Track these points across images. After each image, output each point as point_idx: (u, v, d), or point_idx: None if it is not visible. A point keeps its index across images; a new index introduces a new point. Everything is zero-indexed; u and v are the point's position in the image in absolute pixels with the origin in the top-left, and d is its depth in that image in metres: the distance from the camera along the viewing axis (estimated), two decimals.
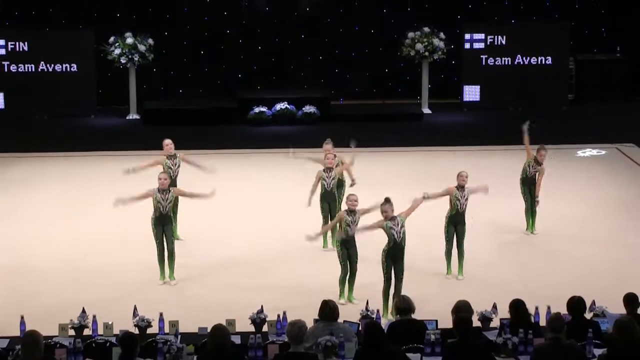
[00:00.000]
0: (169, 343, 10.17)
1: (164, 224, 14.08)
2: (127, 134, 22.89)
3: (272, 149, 21.23)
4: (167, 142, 15.77)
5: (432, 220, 14.85)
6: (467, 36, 24.91)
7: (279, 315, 11.09)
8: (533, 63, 25.09)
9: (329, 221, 14.91)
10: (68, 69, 24.39)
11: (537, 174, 15.87)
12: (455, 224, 14.29)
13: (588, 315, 10.94)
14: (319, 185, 15.16)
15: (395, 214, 12.90)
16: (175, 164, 15.62)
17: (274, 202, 17.63)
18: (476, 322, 10.81)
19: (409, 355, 9.82)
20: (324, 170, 15.17)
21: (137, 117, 24.17)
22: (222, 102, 24.39)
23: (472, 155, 20.63)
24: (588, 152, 21.01)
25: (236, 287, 13.97)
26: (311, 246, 13.88)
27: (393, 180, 18.91)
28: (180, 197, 15.11)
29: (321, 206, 15.23)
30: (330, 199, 15.20)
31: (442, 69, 25.23)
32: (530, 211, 16.01)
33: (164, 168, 15.41)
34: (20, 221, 16.86)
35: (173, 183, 15.02)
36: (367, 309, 11.54)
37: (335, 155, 15.24)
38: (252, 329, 11.09)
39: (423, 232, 14.87)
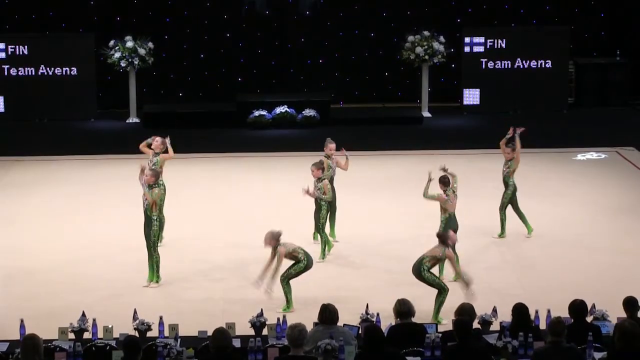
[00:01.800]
0: (168, 346, 10.18)
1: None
2: (127, 137, 22.86)
3: (272, 152, 21.23)
4: (157, 140, 15.59)
5: (431, 222, 14.80)
6: (467, 40, 24.89)
7: (278, 319, 11.09)
8: (533, 67, 25.07)
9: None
10: (68, 73, 24.37)
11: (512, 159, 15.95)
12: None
13: (588, 319, 10.94)
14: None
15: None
16: (152, 162, 15.38)
17: (273, 205, 17.60)
18: (476, 326, 10.81)
19: (409, 358, 9.84)
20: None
21: (137, 120, 24.15)
22: (221, 106, 24.34)
23: (472, 159, 20.59)
24: (588, 155, 20.99)
25: (236, 291, 13.95)
26: (311, 250, 13.84)
27: (393, 184, 18.90)
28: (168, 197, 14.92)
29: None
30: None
31: (442, 73, 25.22)
32: (518, 214, 16.04)
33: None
34: (20, 224, 16.85)
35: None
36: (367, 312, 11.54)
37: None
38: (252, 332, 11.10)
39: (422, 234, 14.85)
